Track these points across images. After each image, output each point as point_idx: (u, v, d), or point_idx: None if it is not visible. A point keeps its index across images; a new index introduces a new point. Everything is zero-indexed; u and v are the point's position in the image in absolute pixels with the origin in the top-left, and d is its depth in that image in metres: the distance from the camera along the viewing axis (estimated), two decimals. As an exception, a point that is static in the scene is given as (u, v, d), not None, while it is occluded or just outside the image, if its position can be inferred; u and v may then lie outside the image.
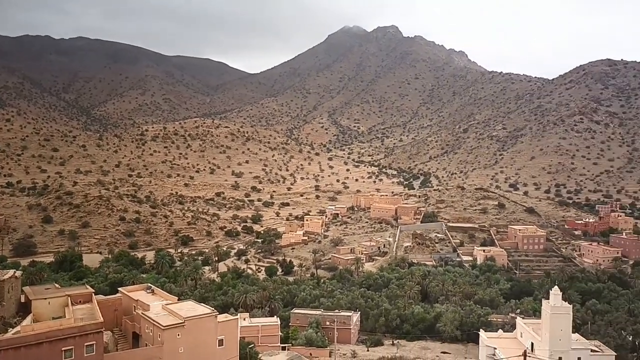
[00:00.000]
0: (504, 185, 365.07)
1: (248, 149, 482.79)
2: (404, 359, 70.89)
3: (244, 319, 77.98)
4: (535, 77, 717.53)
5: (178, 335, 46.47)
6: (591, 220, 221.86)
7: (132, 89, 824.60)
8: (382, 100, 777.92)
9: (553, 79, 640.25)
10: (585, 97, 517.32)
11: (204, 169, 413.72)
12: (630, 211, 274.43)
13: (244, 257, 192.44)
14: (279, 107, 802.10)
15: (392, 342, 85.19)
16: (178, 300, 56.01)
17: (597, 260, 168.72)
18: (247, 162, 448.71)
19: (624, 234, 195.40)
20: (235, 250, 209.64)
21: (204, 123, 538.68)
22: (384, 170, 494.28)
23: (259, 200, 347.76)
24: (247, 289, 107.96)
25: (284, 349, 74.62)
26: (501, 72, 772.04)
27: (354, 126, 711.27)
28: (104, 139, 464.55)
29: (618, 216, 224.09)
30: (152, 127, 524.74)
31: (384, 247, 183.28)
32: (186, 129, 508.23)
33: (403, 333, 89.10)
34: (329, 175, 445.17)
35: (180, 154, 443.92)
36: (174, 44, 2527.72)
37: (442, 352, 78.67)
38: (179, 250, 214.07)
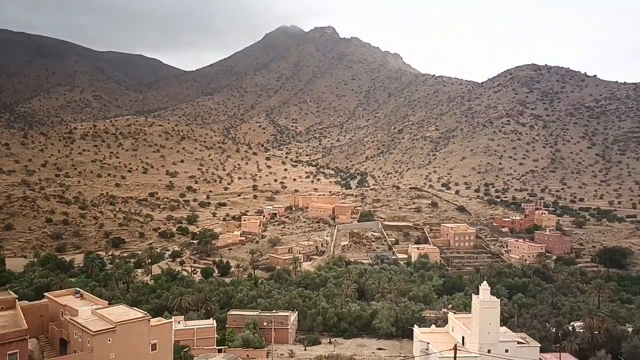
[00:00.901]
0: (437, 184, 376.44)
1: (183, 148, 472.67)
2: (340, 356, 71.61)
3: (179, 322, 76.31)
4: (466, 80, 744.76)
5: (109, 340, 44.80)
6: (517, 218, 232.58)
7: (60, 85, 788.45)
8: (320, 100, 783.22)
9: (482, 82, 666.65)
10: (512, 100, 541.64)
11: (137, 169, 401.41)
12: (553, 209, 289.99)
13: (179, 259, 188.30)
14: (216, 105, 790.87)
15: (330, 340, 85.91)
16: (109, 304, 54.09)
17: (523, 256, 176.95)
18: (182, 161, 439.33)
19: (547, 230, 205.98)
20: (170, 252, 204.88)
21: (137, 121, 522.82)
22: (321, 170, 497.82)
23: (194, 200, 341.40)
24: (182, 291, 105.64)
25: (220, 351, 73.63)
26: (434, 74, 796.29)
27: (292, 126, 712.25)
28: (29, 137, 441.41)
29: (542, 214, 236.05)
30: (82, 125, 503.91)
31: (322, 246, 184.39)
32: (117, 127, 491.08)
33: (340, 331, 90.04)
34: (266, 175, 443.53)
35: (112, 153, 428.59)
36: (105, 39, 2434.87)
37: (377, 349, 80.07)
38: (110, 253, 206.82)
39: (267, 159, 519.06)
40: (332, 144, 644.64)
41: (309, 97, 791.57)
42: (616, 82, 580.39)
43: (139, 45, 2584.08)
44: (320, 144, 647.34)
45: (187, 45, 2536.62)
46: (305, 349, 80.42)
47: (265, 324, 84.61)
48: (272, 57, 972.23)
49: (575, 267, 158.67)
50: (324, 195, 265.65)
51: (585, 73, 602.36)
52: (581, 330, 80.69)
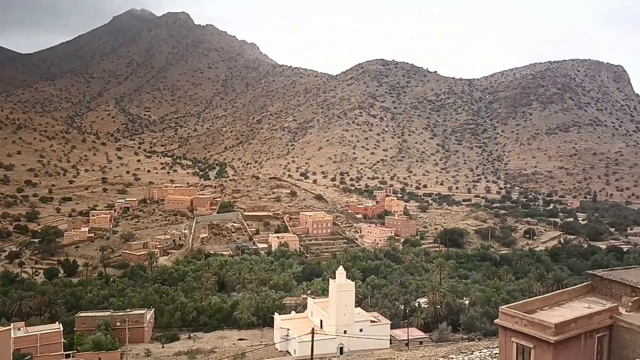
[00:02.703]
0: (295, 174, 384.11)
1: (20, 138, 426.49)
2: (200, 350, 70.19)
3: (19, 329, 69.22)
4: (321, 72, 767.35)
5: None
6: (370, 204, 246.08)
7: None
8: (175, 88, 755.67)
9: (336, 75, 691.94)
10: (364, 93, 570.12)
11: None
12: (401, 195, 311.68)
13: (17, 260, 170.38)
14: (57, 92, 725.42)
15: (189, 335, 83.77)
16: None
17: (375, 240, 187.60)
18: (19, 152, 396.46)
19: (396, 215, 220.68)
20: (7, 253, 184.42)
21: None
22: (178, 160, 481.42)
23: (34, 195, 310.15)
24: (21, 295, 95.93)
25: (68, 356, 68.16)
26: (291, 66, 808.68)
27: (145, 115, 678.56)
28: None
29: (391, 200, 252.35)
30: None
31: (180, 239, 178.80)
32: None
33: (200, 325, 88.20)
34: (117, 167, 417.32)
35: None
36: None
37: (238, 339, 79.80)
38: None
39: (118, 149, 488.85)
40: (189, 133, 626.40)
41: (162, 84, 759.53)
42: (453, 78, 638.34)
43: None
44: (176, 134, 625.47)
45: (23, 24, 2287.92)
46: (163, 347, 77.61)
47: (118, 324, 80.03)
48: (120, 41, 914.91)
49: (420, 248, 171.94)
50: (181, 186, 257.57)
51: (427, 69, 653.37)
52: (426, 306, 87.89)
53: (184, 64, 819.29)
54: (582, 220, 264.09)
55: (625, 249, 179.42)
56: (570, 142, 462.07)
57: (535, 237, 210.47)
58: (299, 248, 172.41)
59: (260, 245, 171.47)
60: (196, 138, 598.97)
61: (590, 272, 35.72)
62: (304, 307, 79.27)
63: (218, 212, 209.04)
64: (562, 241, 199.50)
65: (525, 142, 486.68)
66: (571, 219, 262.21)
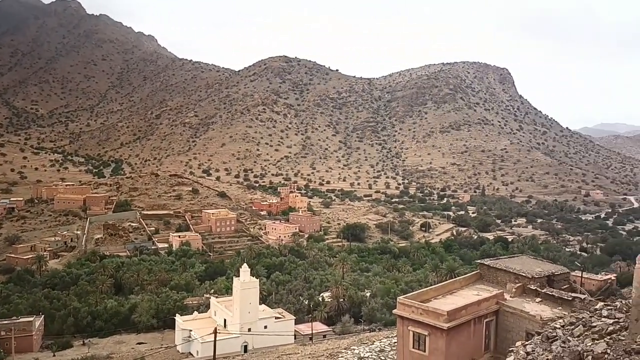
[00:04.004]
0: (197, 171, 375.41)
1: None
2: (96, 357, 66.60)
3: None
4: (223, 67, 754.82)
5: None
6: (274, 201, 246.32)
7: None
8: (65, 80, 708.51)
9: (239, 71, 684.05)
10: (267, 90, 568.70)
11: None
12: (305, 191, 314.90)
13: None
14: None
15: (83, 342, 79.27)
16: None
17: (280, 236, 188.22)
18: None
19: (300, 211, 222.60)
20: None
21: None
22: (69, 157, 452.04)
23: None
24: None
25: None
26: (191, 60, 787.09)
27: (32, 108, 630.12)
28: None
29: (295, 196, 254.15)
30: None
31: (72, 241, 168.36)
32: None
33: (96, 330, 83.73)
34: (0, 164, 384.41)
35: None
36: None
37: (137, 344, 76.74)
38: None
39: (1, 145, 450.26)
40: (81, 129, 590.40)
41: (52, 76, 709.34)
42: (354, 76, 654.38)
43: None
44: (67, 129, 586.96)
45: None
46: (54, 355, 72.87)
47: (3, 333, 74.05)
48: (4, 29, 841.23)
49: (324, 244, 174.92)
50: (73, 185, 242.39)
51: (329, 67, 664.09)
52: (329, 300, 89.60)
53: (76, 55, 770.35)
54: (472, 213, 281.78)
55: (510, 239, 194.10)
56: (461, 140, 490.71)
57: (431, 230, 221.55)
58: (202, 247, 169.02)
59: (160, 245, 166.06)
60: (89, 133, 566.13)
61: (478, 261, 38.13)
62: (207, 307, 77.82)
63: (114, 212, 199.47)
64: (455, 233, 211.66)
65: (421, 139, 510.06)
66: (462, 212, 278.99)
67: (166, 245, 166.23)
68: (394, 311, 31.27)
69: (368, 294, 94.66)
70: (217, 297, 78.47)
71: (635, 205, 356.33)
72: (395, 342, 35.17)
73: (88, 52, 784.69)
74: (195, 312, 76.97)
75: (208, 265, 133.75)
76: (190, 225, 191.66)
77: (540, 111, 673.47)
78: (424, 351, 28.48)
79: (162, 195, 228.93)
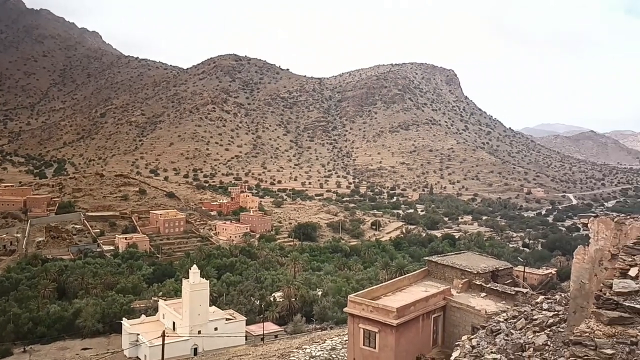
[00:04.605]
0: (144, 171, 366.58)
1: None
2: (38, 365, 64.08)
3: None
4: (171, 65, 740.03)
5: None
6: (224, 201, 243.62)
7: None
8: (3, 77, 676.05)
9: (187, 69, 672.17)
10: (217, 88, 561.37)
11: None
12: (256, 191, 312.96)
13: None
14: None
15: (24, 349, 75.99)
16: None
17: (231, 237, 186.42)
18: None
19: (251, 211, 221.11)
20: None
21: None
22: (8, 157, 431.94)
23: None
24: None
25: None
26: (137, 57, 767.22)
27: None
28: None
29: (246, 196, 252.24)
30: None
31: (11, 244, 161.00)
32: None
33: (37, 337, 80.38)
34: None
35: None
36: None
37: (82, 349, 74.25)
38: None
39: None
40: (21, 127, 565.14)
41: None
42: (305, 76, 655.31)
43: None
44: (5, 128, 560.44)
45: None
46: (-7, 365, 69.57)
47: None
48: None
49: (275, 243, 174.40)
50: (12, 186, 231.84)
51: (279, 66, 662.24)
52: (281, 300, 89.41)
53: (15, 51, 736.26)
54: (421, 211, 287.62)
55: (457, 236, 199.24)
56: (410, 140, 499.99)
57: (381, 228, 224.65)
58: (150, 248, 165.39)
59: (106, 248, 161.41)
60: (30, 132, 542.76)
61: (426, 258, 38.98)
62: (155, 310, 76.17)
63: (57, 213, 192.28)
64: (404, 231, 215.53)
65: (371, 139, 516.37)
66: (412, 211, 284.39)
67: (112, 247, 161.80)
68: (345, 309, 31.55)
69: (320, 293, 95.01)
70: (165, 300, 76.93)
71: (574, 202, 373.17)
72: (346, 340, 35.48)
73: (28, 48, 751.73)
74: (143, 315, 75.14)
75: (156, 267, 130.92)
76: (137, 227, 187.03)
77: (484, 112, 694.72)
78: (374, 348, 28.86)
79: (108, 196, 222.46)
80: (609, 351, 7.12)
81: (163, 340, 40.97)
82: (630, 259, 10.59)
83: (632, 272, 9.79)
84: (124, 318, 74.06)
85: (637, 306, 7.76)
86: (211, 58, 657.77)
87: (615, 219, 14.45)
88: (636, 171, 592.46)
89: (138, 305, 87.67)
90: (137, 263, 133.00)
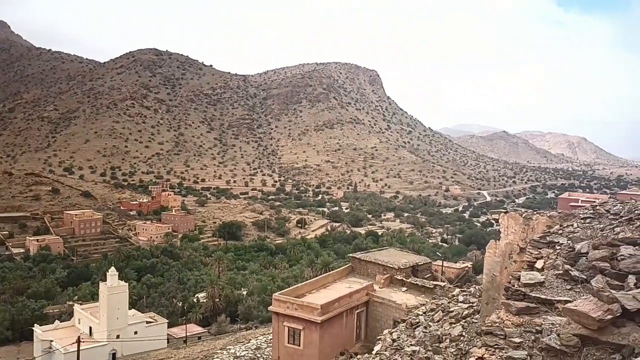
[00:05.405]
0: (58, 169, 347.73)
1: None
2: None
3: None
4: (87, 58, 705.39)
5: None
6: (145, 200, 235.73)
7: None
8: None
9: (105, 62, 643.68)
10: (136, 83, 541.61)
11: None
12: (178, 190, 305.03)
13: None
14: None
15: None
16: None
17: (151, 237, 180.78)
18: None
19: (173, 211, 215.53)
20: None
21: None
22: None
23: None
24: None
25: None
26: (50, 49, 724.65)
27: None
28: None
29: (168, 195, 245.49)
30: None
31: None
32: None
33: None
34: None
35: None
36: None
37: (-11, 360, 69.48)
38: None
39: None
40: None
41: None
42: (229, 73, 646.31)
43: None
44: None
45: None
46: None
47: None
48: None
49: (199, 243, 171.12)
50: None
51: (203, 62, 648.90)
52: (204, 300, 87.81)
53: None
54: (346, 209, 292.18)
55: (380, 233, 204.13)
56: (334, 138, 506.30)
57: (307, 226, 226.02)
58: (64, 251, 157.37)
59: (16, 250, 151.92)
60: None
61: (350, 255, 39.67)
62: (71, 315, 72.54)
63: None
64: (329, 228, 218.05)
65: (296, 137, 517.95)
66: (336, 208, 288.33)
67: (22, 250, 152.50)
68: (270, 308, 31.48)
69: (245, 293, 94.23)
70: (81, 304, 73.47)
71: (488, 199, 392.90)
72: (271, 339, 35.42)
73: None
74: (57, 321, 71.30)
75: (71, 270, 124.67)
76: (50, 228, 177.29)
77: (405, 112, 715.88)
78: (299, 345, 29.01)
79: (17, 195, 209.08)
80: (517, 340, 7.53)
81: (78, 346, 39.10)
82: (536, 252, 11.29)
83: (538, 264, 10.44)
84: (35, 324, 69.94)
85: (543, 296, 8.26)
86: (130, 52, 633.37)
87: (524, 215, 15.36)
88: (544, 169, 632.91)
89: (51, 311, 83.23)
90: (50, 266, 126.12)
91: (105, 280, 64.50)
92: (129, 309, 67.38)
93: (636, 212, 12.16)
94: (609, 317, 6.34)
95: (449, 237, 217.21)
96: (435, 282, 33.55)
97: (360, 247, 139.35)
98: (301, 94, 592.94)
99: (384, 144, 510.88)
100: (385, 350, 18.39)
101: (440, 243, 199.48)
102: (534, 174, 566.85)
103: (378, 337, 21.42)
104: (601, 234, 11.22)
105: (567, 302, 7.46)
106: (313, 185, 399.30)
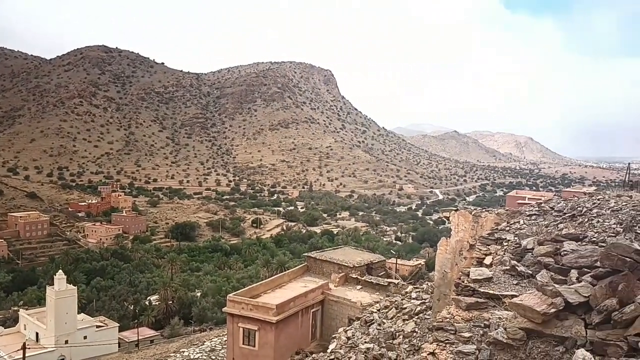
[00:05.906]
0: (1, 170, 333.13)
1: None
2: None
3: None
4: (32, 55, 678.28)
5: None
6: (94, 201, 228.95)
7: None
8: None
9: (51, 59, 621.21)
10: (84, 81, 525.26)
11: None
12: (129, 190, 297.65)
13: None
14: None
15: None
16: None
17: (101, 239, 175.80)
18: None
19: (124, 212, 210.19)
20: None
21: None
22: None
23: None
24: None
25: None
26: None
27: None
28: None
29: (118, 196, 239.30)
30: None
31: None
32: None
33: None
34: None
35: None
36: None
37: None
38: None
39: None
40: None
41: None
42: (181, 71, 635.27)
43: None
44: None
45: None
46: None
47: None
48: None
49: (151, 245, 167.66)
50: None
51: (154, 60, 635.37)
52: (157, 303, 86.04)
53: None
54: (301, 208, 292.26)
55: (335, 232, 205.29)
56: (290, 138, 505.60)
57: (262, 226, 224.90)
58: (8, 254, 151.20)
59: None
60: None
61: (306, 254, 39.73)
62: (16, 320, 69.77)
63: None
64: (285, 228, 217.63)
65: (251, 136, 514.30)
66: (292, 208, 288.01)
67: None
68: (224, 309, 31.17)
69: (199, 294, 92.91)
70: (27, 309, 70.72)
71: (440, 197, 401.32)
72: (226, 341, 35.07)
73: None
74: (1, 327, 68.46)
75: (16, 274, 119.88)
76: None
77: (360, 111, 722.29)
78: (254, 346, 28.85)
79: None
80: (467, 334, 7.71)
81: (24, 352, 37.64)
82: (485, 249, 11.62)
83: (487, 260, 10.75)
84: (-25, 333, 66.87)
85: (491, 292, 8.50)
86: (78, 49, 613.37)
87: (473, 212, 15.78)
88: (493, 168, 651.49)
89: (-6, 317, 79.73)
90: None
91: (53, 284, 62.35)
92: (78, 313, 65.40)
93: (578, 209, 12.70)
94: (553, 310, 6.60)
95: (403, 235, 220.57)
96: (389, 280, 34.02)
97: (316, 247, 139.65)
98: (256, 93, 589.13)
99: (339, 144, 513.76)
100: (340, 349, 18.52)
101: (394, 241, 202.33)
102: (483, 172, 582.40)
103: (333, 336, 21.56)
104: (546, 230, 11.65)
105: (513, 296, 7.71)
106: (268, 184, 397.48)
